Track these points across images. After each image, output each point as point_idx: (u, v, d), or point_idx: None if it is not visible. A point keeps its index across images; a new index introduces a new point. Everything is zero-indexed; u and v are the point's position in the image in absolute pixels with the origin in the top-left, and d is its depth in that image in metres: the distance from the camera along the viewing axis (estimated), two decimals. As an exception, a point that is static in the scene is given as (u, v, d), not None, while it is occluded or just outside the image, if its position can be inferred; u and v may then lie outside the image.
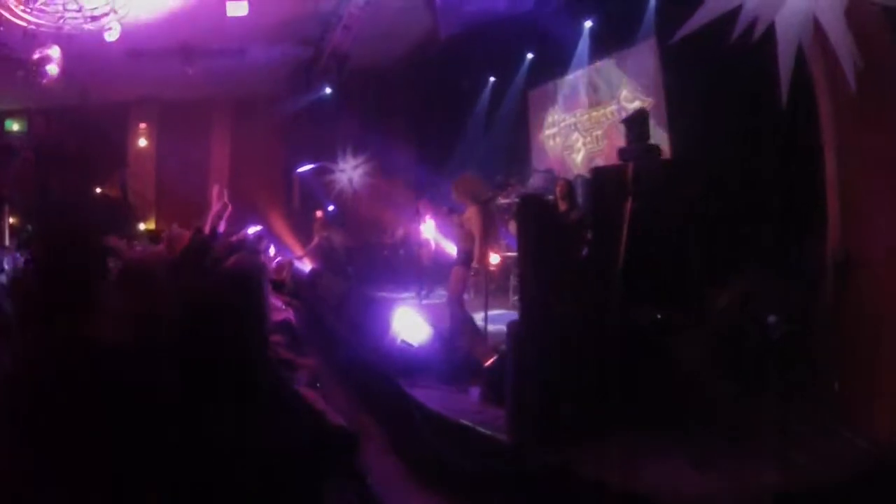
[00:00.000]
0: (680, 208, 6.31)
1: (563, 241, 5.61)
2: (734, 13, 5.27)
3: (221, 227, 6.56)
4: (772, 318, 5.81)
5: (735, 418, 5.30)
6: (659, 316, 5.85)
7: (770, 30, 5.18)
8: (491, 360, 6.59)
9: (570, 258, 5.63)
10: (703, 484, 4.54)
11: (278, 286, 9.71)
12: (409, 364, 7.21)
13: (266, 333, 2.50)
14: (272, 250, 9.96)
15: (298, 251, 15.79)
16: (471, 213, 7.96)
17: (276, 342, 5.24)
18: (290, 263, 8.52)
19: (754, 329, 5.76)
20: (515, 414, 5.54)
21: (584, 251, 5.97)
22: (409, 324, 7.48)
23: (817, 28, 4.97)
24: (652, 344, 5.77)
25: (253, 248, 6.67)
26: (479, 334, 7.87)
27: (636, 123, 6.89)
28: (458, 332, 8.15)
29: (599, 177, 7.21)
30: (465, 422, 6.03)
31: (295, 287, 12.74)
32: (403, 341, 7.31)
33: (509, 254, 11.05)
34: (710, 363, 5.85)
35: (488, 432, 5.77)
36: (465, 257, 7.98)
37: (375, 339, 7.75)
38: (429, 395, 6.68)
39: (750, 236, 7.25)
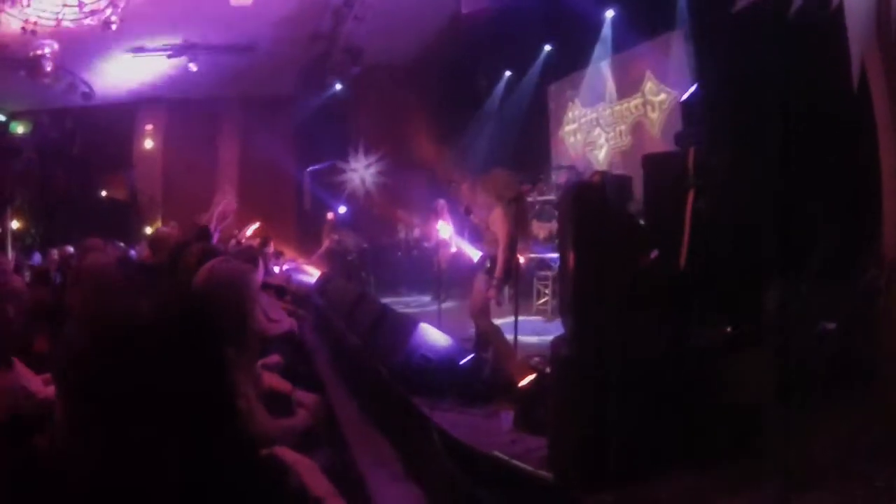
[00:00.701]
0: (749, 203, 5.28)
1: (623, 242, 4.54)
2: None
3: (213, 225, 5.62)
4: (828, 326, 4.95)
5: (801, 451, 4.36)
6: (729, 329, 4.82)
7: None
8: (526, 380, 5.57)
9: (629, 263, 4.57)
10: None
11: (281, 292, 8.80)
12: (429, 381, 6.19)
13: (233, 397, 1.61)
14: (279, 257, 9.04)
15: (307, 255, 14.96)
16: (496, 215, 6.85)
17: (274, 364, 4.30)
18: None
19: (813, 339, 4.91)
20: (560, 448, 4.54)
21: (653, 254, 4.89)
22: (429, 338, 6.44)
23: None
24: (717, 366, 4.76)
25: (250, 255, 5.64)
26: (507, 347, 6.80)
27: (696, 104, 5.81)
28: (483, 345, 7.13)
29: (653, 166, 6.10)
30: (497, 454, 5.01)
31: (301, 294, 11.89)
32: (422, 356, 6.28)
33: (532, 255, 10.14)
34: (769, 385, 4.90)
35: (527, 468, 4.75)
36: (491, 264, 6.88)
37: (390, 353, 6.72)
38: (452, 420, 5.68)
39: (804, 244, 6.25)
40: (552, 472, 4.55)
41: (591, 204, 4.52)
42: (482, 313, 6.89)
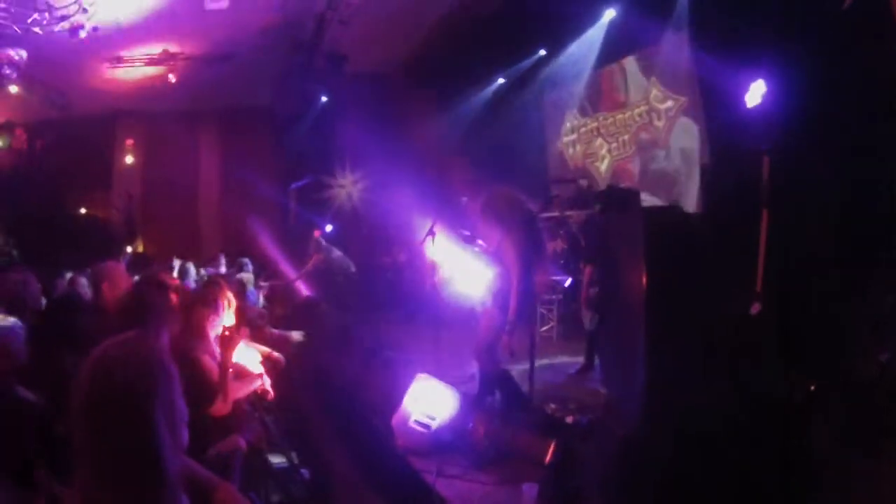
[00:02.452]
0: (845, 224, 4.17)
1: (705, 279, 3.37)
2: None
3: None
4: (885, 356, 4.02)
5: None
6: (813, 388, 3.71)
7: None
8: (550, 453, 4.39)
9: (711, 305, 3.43)
10: None
11: (258, 326, 7.68)
12: (429, 445, 5.02)
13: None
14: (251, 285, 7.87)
15: (293, 275, 13.82)
16: (506, 245, 5.62)
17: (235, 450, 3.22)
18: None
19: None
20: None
21: (754, 306, 3.76)
22: (429, 399, 5.21)
23: None
24: (797, 428, 3.69)
25: (209, 297, 4.50)
26: (520, 401, 5.58)
27: (770, 105, 4.71)
28: (489, 388, 5.92)
29: (715, 175, 4.95)
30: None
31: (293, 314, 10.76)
32: (418, 421, 5.08)
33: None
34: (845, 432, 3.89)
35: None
36: (501, 299, 5.63)
37: (385, 405, 5.53)
38: (461, 491, 4.56)
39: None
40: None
41: (673, 238, 3.40)
42: (488, 355, 5.69)
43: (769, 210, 3.96)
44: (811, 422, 3.83)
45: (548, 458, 4.38)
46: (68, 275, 8.35)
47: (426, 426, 5.07)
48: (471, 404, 5.35)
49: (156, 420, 1.75)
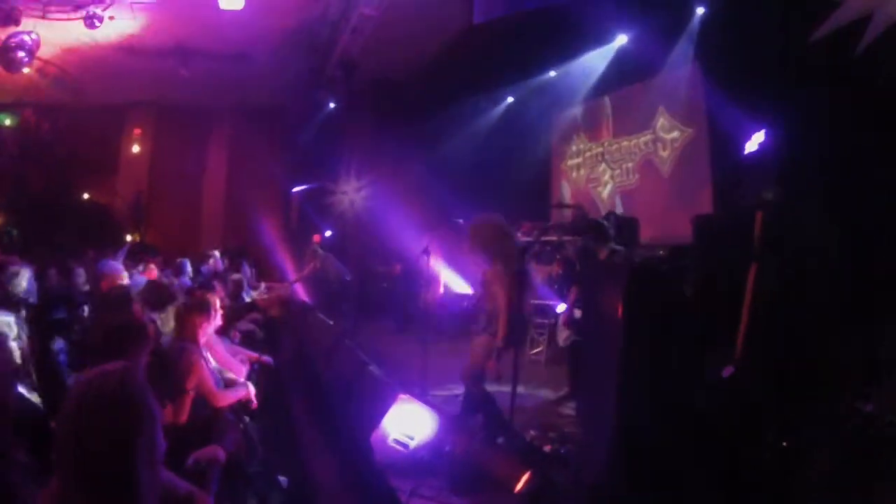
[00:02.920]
0: (836, 283, 4.28)
1: (680, 342, 3.49)
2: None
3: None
4: (867, 407, 4.18)
5: None
6: (785, 444, 3.82)
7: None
8: (523, 481, 4.50)
9: (688, 366, 3.54)
10: None
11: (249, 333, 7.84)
12: (407, 464, 5.13)
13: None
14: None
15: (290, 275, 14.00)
16: (496, 273, 5.75)
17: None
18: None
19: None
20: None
21: (727, 369, 3.88)
22: (408, 420, 5.30)
23: None
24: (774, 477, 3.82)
25: (202, 302, 4.67)
26: (500, 426, 5.69)
27: (768, 158, 4.81)
28: (472, 409, 6.03)
29: (706, 229, 5.08)
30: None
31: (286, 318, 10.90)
32: (397, 440, 5.18)
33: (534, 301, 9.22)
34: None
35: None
36: (490, 325, 5.77)
37: (367, 423, 5.64)
38: (435, 513, 4.65)
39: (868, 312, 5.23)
40: None
41: (652, 292, 3.50)
42: (475, 378, 5.81)
43: (759, 264, 4.07)
44: (790, 477, 3.94)
45: (519, 486, 4.49)
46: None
47: (404, 445, 5.18)
48: (451, 426, 5.45)
49: (137, 459, 1.83)
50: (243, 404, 4.84)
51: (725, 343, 4.12)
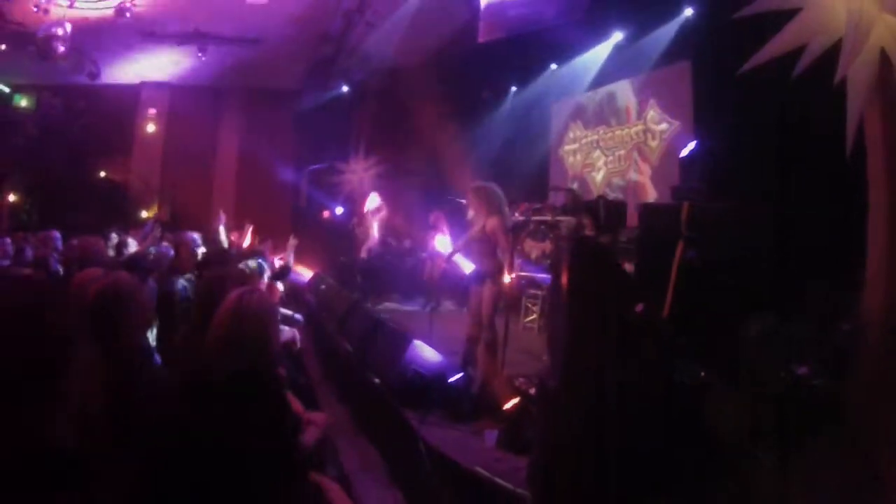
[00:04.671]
0: (736, 256, 5.68)
1: (614, 287, 4.91)
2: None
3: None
4: (802, 370, 5.28)
5: (770, 485, 4.84)
6: (703, 374, 5.19)
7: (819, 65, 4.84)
8: (511, 403, 5.92)
9: (618, 305, 4.94)
10: None
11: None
12: (419, 396, 6.53)
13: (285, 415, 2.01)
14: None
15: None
16: (494, 226, 7.24)
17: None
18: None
19: (785, 381, 5.23)
20: (541, 475, 4.87)
21: (639, 307, 5.25)
22: (421, 355, 6.78)
23: (885, 68, 4.59)
24: (692, 405, 5.15)
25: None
26: (496, 365, 7.16)
27: (695, 161, 6.26)
28: (471, 361, 7.47)
29: (649, 216, 6.52)
30: (480, 471, 5.36)
31: (294, 291, 12.17)
32: (415, 372, 6.62)
33: (524, 273, 10.50)
34: (744, 423, 5.29)
35: (508, 486, 5.10)
36: (496, 272, 7.33)
37: (383, 366, 7.08)
38: (439, 435, 6.02)
39: (791, 287, 6.65)
40: (531, 493, 4.91)
41: (588, 258, 4.86)
42: (491, 324, 7.30)
43: (684, 241, 5.51)
44: (708, 409, 5.28)
45: (508, 406, 5.90)
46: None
47: (419, 379, 6.60)
48: (455, 369, 6.92)
49: (275, 357, 2.62)
50: (287, 345, 6.13)
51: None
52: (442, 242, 11.81)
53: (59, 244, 9.98)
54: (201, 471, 1.75)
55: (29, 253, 9.52)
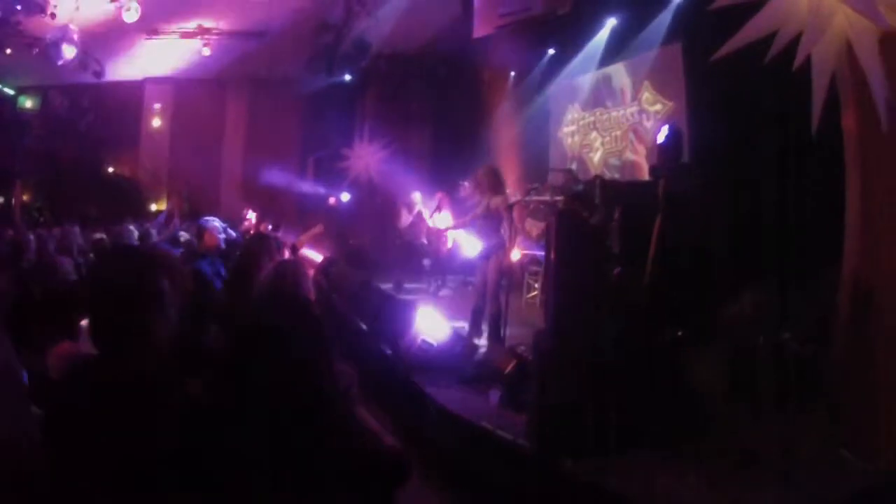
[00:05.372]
0: (707, 228, 6.37)
1: (596, 259, 5.61)
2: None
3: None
4: (786, 335, 5.87)
5: (747, 438, 5.38)
6: (680, 333, 5.86)
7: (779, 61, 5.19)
8: (511, 366, 6.60)
9: (600, 275, 5.63)
10: (716, 501, 4.65)
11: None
12: (428, 363, 7.23)
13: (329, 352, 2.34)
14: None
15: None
16: (499, 204, 8.08)
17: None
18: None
19: (768, 346, 5.80)
20: (537, 423, 5.56)
21: (616, 270, 5.95)
22: (431, 323, 7.50)
23: (851, 56, 4.98)
24: (672, 362, 5.80)
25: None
26: (498, 335, 7.92)
27: (670, 143, 6.92)
28: (476, 332, 8.24)
29: (631, 192, 7.25)
30: (484, 425, 6.06)
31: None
32: (424, 341, 7.32)
33: (526, 251, 11.17)
34: (726, 380, 5.92)
35: (508, 437, 5.79)
36: (501, 247, 8.13)
37: (394, 336, 7.78)
38: (447, 396, 6.74)
39: (771, 259, 7.34)
40: (530, 442, 5.60)
41: (571, 228, 5.56)
42: (495, 295, 8.09)
43: (662, 216, 6.26)
44: (686, 364, 5.93)
45: (507, 369, 6.60)
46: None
47: (428, 346, 7.31)
48: (461, 338, 7.66)
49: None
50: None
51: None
52: (443, 220, 12.53)
53: (80, 239, 10.68)
54: (260, 401, 2.13)
55: (52, 247, 10.09)
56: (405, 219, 13.75)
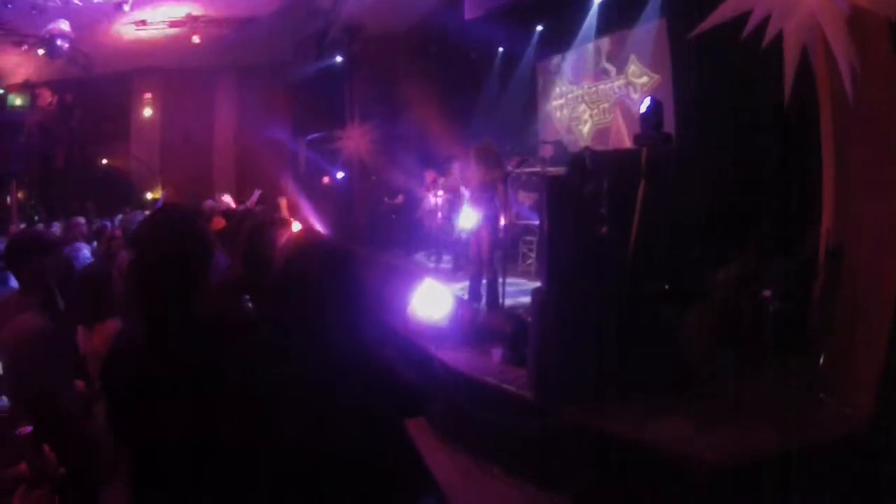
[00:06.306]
0: (688, 192, 7.02)
1: (585, 221, 6.25)
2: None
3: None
4: (767, 294, 6.39)
5: (733, 385, 5.86)
6: (667, 286, 6.50)
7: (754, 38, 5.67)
8: (510, 327, 7.26)
9: (590, 235, 6.27)
10: (704, 443, 5.13)
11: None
12: (432, 332, 7.84)
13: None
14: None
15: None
16: (495, 177, 8.79)
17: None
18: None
19: (751, 303, 6.35)
20: (537, 375, 6.17)
21: (603, 228, 6.60)
22: (435, 295, 8.10)
23: (821, 33, 5.46)
24: (660, 314, 6.38)
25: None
26: (498, 300, 8.62)
27: (651, 114, 7.55)
28: (476, 297, 8.91)
29: (616, 160, 7.92)
30: (490, 379, 6.69)
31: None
32: (424, 317, 7.91)
33: (520, 221, 11.78)
34: (712, 334, 6.49)
35: (512, 390, 6.41)
36: (495, 218, 8.85)
37: (396, 309, 8.38)
38: (452, 356, 7.37)
39: (752, 222, 7.97)
40: (532, 393, 6.23)
41: (561, 193, 6.20)
42: (490, 263, 8.92)
43: (645, 182, 6.91)
44: (674, 316, 6.51)
45: (508, 329, 7.25)
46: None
47: (430, 317, 7.94)
48: (461, 301, 8.30)
49: None
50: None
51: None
52: (434, 199, 13.16)
53: (85, 230, 11.23)
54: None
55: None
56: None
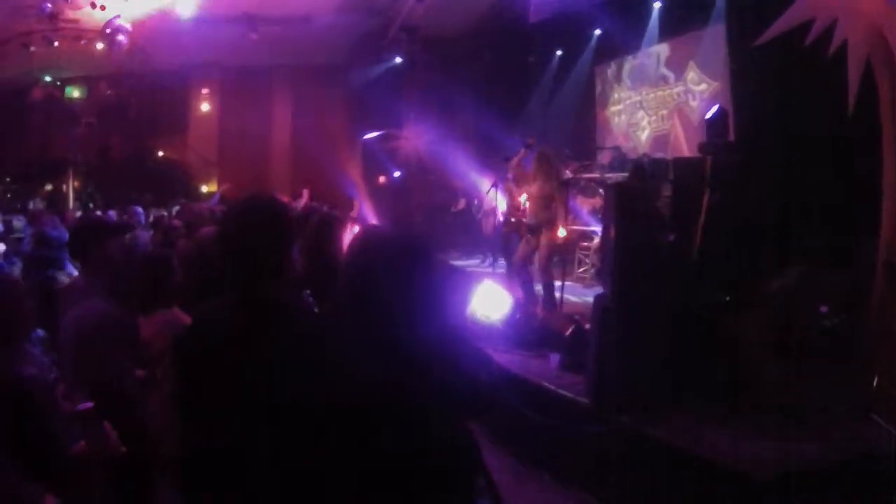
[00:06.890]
0: (751, 203, 7.06)
1: (651, 228, 6.33)
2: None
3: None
4: (824, 308, 6.46)
5: (785, 397, 5.83)
6: (728, 298, 6.55)
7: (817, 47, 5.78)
8: (569, 331, 7.34)
9: (655, 243, 6.34)
10: (755, 452, 5.14)
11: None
12: (489, 332, 7.95)
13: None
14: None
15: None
16: (553, 185, 8.93)
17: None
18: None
19: (807, 316, 6.39)
20: (596, 381, 6.24)
21: (669, 237, 6.67)
22: (490, 298, 8.22)
23: (884, 42, 5.51)
24: (719, 324, 6.42)
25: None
26: (554, 304, 8.72)
27: (717, 121, 7.60)
28: (535, 301, 9.03)
29: (679, 168, 7.96)
30: (547, 384, 6.79)
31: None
32: (480, 316, 8.02)
33: (576, 227, 11.86)
34: (766, 345, 6.51)
35: (569, 395, 6.50)
36: (550, 224, 8.95)
37: (456, 310, 8.52)
38: (509, 360, 7.48)
39: (806, 231, 7.98)
40: (589, 400, 6.32)
41: (629, 200, 6.28)
42: (546, 268, 9.02)
43: (710, 190, 6.95)
44: (733, 326, 6.56)
45: (567, 332, 7.33)
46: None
47: (488, 319, 8.06)
48: (520, 307, 8.41)
49: None
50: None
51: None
52: (496, 200, 13.24)
53: (143, 218, 11.55)
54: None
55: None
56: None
